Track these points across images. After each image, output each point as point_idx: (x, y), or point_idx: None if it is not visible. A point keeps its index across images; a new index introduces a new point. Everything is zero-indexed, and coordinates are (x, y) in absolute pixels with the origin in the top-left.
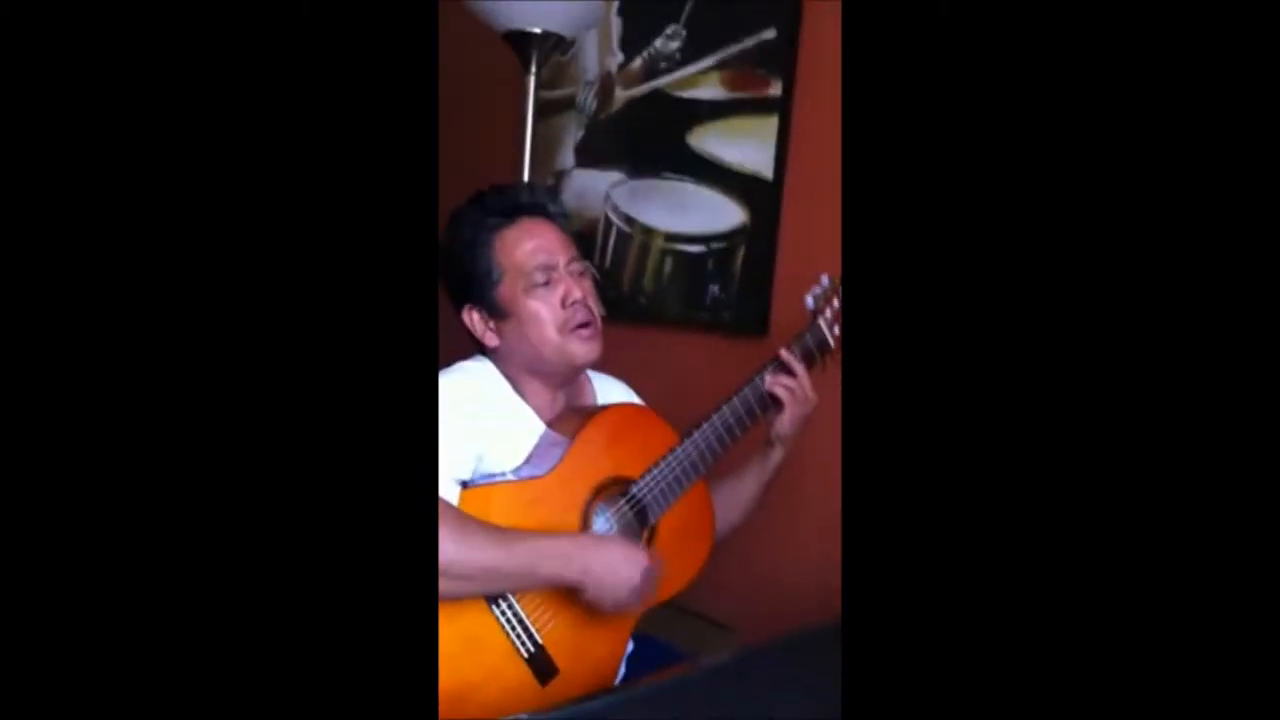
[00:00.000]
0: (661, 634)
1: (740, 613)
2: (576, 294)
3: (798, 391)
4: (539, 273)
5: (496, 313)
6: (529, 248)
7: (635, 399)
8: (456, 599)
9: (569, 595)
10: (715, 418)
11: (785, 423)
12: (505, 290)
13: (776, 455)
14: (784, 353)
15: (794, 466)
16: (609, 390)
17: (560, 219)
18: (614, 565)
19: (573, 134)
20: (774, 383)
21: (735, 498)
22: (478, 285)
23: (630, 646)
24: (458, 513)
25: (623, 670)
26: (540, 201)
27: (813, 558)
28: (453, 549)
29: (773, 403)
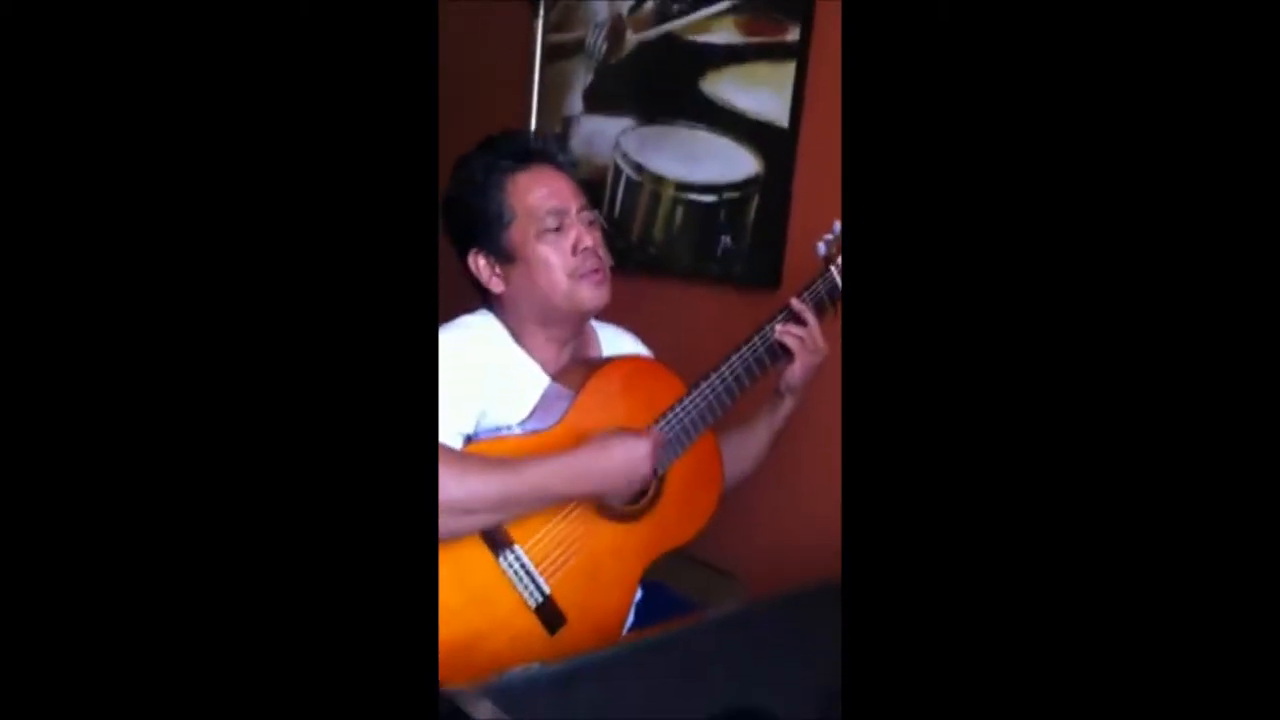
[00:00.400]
0: (668, 582)
1: (746, 561)
2: (587, 241)
3: (808, 341)
4: (551, 217)
5: (505, 257)
6: (542, 192)
7: (643, 349)
8: (465, 534)
9: (578, 542)
10: (724, 368)
11: (795, 373)
12: (516, 234)
13: (787, 405)
14: (795, 301)
15: (800, 415)
16: (615, 341)
17: (569, 168)
18: (621, 466)
19: (581, 79)
20: (784, 332)
21: (744, 448)
22: (487, 228)
23: (639, 594)
24: (454, 451)
25: (631, 618)
26: (551, 149)
27: (818, 506)
28: (453, 486)
29: (783, 352)
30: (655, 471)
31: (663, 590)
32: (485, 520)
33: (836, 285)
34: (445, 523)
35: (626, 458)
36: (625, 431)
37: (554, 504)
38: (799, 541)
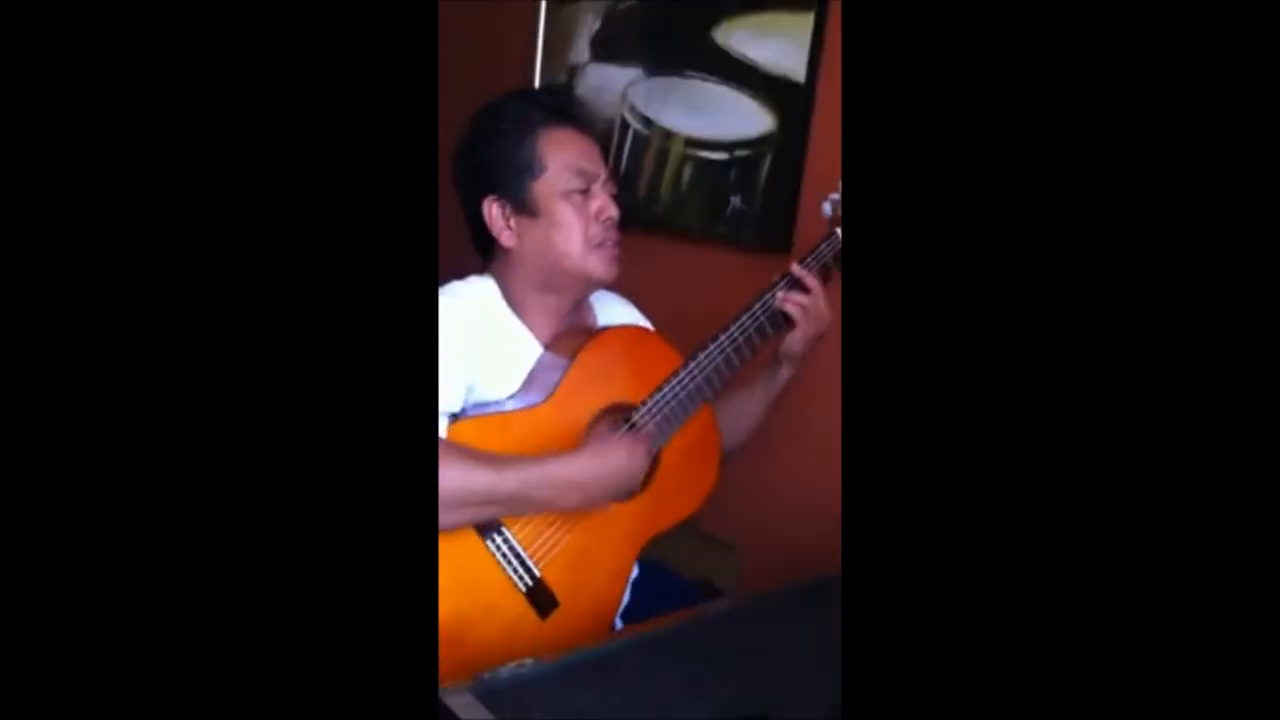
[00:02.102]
0: (665, 554)
1: (744, 532)
2: (611, 211)
3: (811, 310)
4: (579, 178)
5: (525, 209)
6: (575, 151)
7: (640, 319)
8: (444, 530)
9: (569, 524)
10: (722, 338)
11: (795, 341)
12: (543, 187)
13: (784, 374)
14: (796, 267)
15: (802, 384)
16: (611, 311)
17: (600, 138)
18: (608, 474)
19: (589, 25)
20: (786, 299)
21: (741, 414)
22: (512, 176)
23: (635, 571)
24: (440, 441)
25: (627, 597)
26: (588, 115)
27: (818, 478)
28: (446, 479)
29: (784, 321)
30: (650, 454)
31: (660, 569)
32: (463, 517)
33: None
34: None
35: (614, 468)
36: (617, 441)
37: (536, 511)
38: (798, 512)
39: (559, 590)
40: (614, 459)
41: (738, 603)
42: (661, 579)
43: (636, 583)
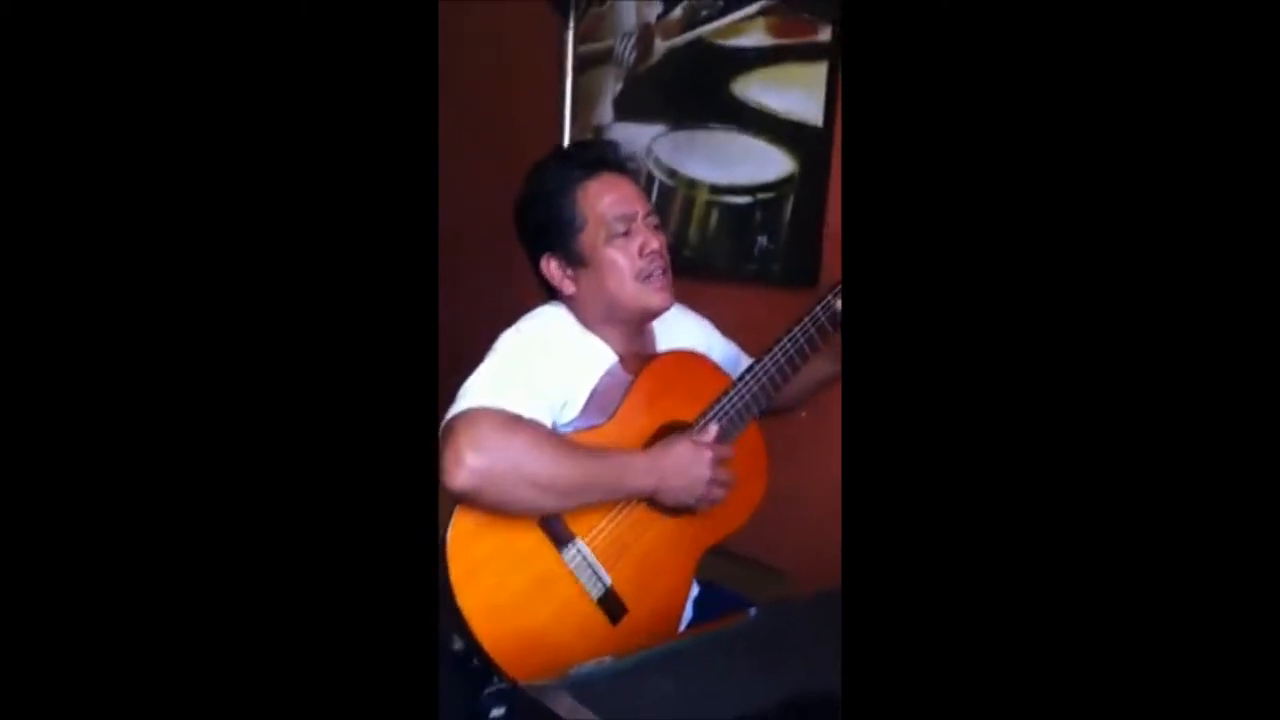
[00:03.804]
0: (721, 580)
1: (795, 559)
2: (654, 244)
3: None
4: (619, 223)
5: (576, 261)
6: (611, 198)
7: (704, 326)
8: (540, 510)
9: (636, 534)
10: (767, 359)
11: None
12: (587, 239)
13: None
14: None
15: None
16: (673, 330)
17: (636, 176)
18: (684, 465)
19: (611, 87)
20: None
21: (807, 375)
22: (560, 233)
23: (697, 590)
24: (544, 429)
25: (690, 614)
26: (620, 158)
27: None
28: (554, 466)
29: (834, 328)
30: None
31: (719, 589)
32: (567, 502)
33: None
34: (535, 497)
35: (691, 460)
36: (692, 440)
37: (622, 497)
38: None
39: (628, 598)
40: (678, 452)
41: (804, 599)
42: (723, 596)
43: (699, 600)
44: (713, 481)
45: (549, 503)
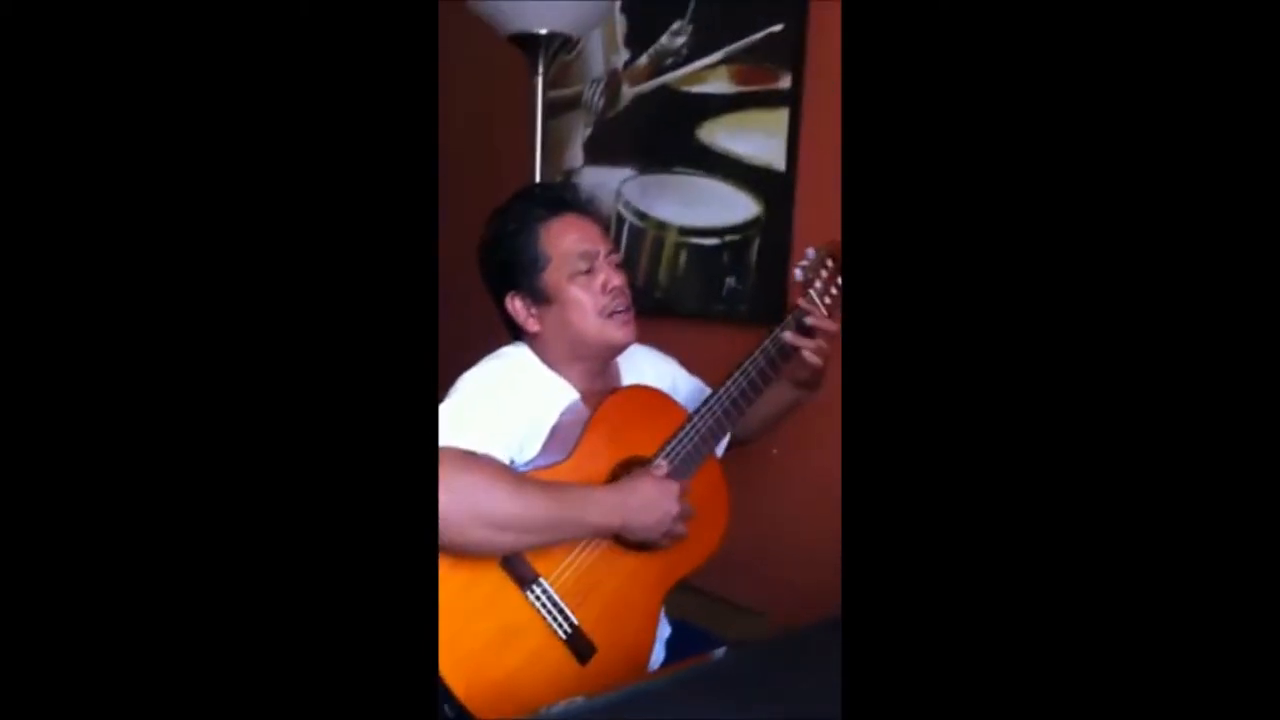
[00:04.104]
0: (695, 620)
1: (772, 598)
2: (616, 281)
3: (821, 349)
4: (582, 260)
5: (540, 299)
6: (573, 237)
7: (668, 363)
8: (506, 550)
9: (599, 572)
10: (721, 392)
11: (805, 364)
12: (550, 277)
13: (804, 397)
14: (802, 301)
15: (826, 450)
16: (637, 366)
17: (598, 216)
18: (651, 502)
19: (580, 132)
20: (794, 339)
21: (762, 405)
22: (523, 272)
23: (668, 630)
24: (507, 468)
25: (662, 654)
26: (580, 199)
27: (838, 541)
28: (512, 504)
29: (784, 361)
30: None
31: (690, 628)
32: (527, 540)
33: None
34: (491, 537)
35: (657, 496)
36: (657, 477)
37: (586, 535)
38: (819, 577)
39: (595, 637)
40: (644, 489)
41: (778, 635)
42: (694, 634)
43: (670, 640)
44: (679, 517)
45: (507, 541)
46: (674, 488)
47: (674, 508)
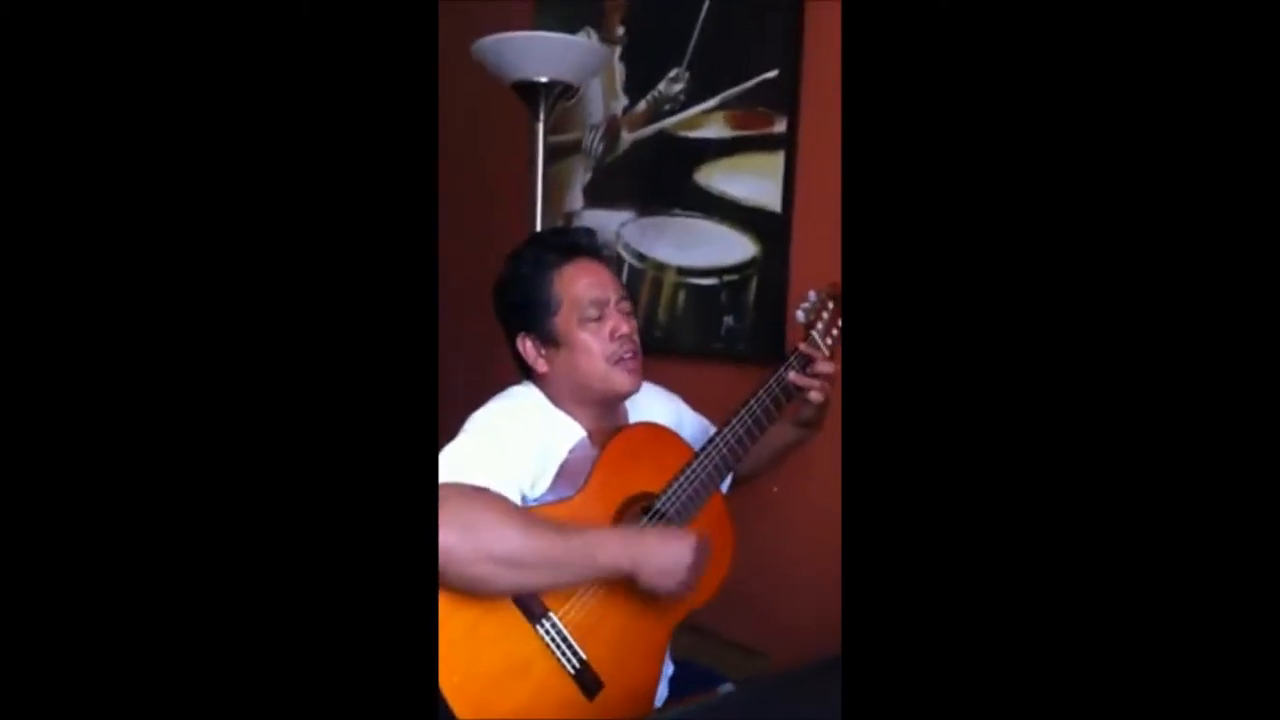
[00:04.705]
0: (699, 660)
1: (773, 637)
2: (624, 329)
3: (822, 386)
4: (592, 307)
5: (550, 341)
6: (585, 283)
7: (674, 402)
8: (515, 589)
9: (606, 609)
10: (726, 431)
11: (811, 404)
12: (561, 321)
13: (806, 436)
14: (804, 346)
15: (827, 488)
16: (644, 409)
17: (610, 262)
18: (663, 549)
19: (580, 176)
20: (796, 380)
21: (764, 444)
22: (535, 315)
23: (671, 669)
24: (522, 509)
25: (666, 692)
26: (595, 244)
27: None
28: (519, 541)
29: (788, 400)
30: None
31: (695, 667)
32: (534, 578)
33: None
34: (498, 573)
35: (671, 544)
36: (673, 529)
37: (594, 575)
38: (827, 617)
39: (603, 672)
40: (661, 550)
41: (778, 676)
42: (696, 675)
43: (674, 678)
44: (692, 568)
45: (513, 578)
46: (689, 536)
47: (688, 556)
